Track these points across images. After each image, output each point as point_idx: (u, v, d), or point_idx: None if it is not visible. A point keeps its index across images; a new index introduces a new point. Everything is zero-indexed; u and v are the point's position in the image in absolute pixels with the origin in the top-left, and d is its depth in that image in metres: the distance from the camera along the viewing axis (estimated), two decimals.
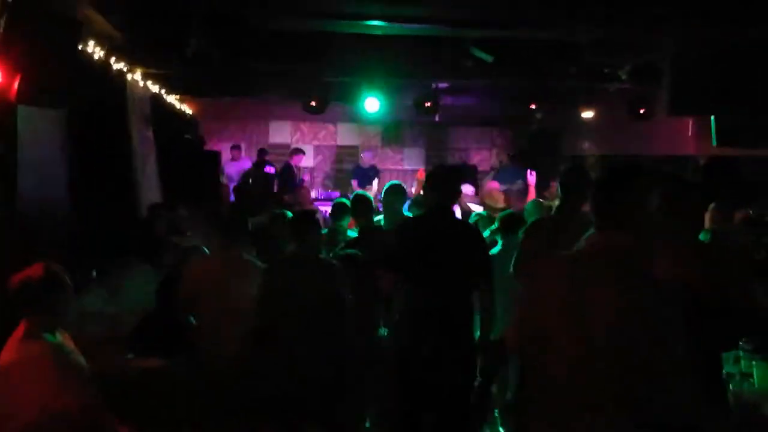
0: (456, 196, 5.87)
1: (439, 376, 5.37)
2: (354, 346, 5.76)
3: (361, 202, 7.33)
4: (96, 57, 7.67)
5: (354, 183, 14.81)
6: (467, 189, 11.50)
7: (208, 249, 7.11)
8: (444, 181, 5.72)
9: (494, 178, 14.62)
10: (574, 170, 6.01)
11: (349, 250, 6.41)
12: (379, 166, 15.81)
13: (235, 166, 15.50)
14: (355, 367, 5.76)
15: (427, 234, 5.56)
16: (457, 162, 15.58)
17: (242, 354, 5.68)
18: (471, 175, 14.59)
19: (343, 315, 5.69)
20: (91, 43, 7.45)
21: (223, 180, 14.52)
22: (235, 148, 15.89)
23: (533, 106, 11.96)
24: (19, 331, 4.22)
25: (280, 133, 17.53)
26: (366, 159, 15.54)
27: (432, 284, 5.45)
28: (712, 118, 6.94)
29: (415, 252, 5.52)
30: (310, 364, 5.49)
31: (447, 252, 5.47)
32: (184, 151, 12.71)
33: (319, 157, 17.42)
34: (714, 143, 7.15)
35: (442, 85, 11.94)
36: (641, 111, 11.41)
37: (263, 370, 5.51)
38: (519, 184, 12.49)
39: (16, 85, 5.34)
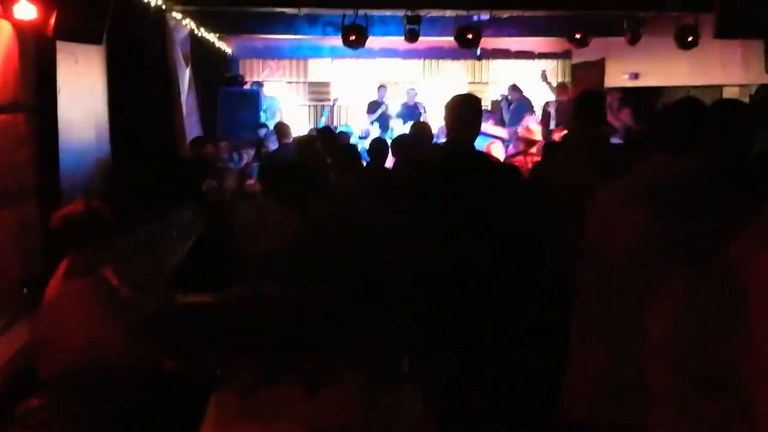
0: (476, 129, 4.79)
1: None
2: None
3: (402, 140, 7.20)
4: None
5: (399, 123, 14.60)
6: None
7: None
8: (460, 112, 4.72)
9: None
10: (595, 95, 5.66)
11: None
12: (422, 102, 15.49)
13: None
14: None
15: (443, 183, 4.58)
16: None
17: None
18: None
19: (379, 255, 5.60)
20: None
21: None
22: None
23: (578, 36, 11.69)
24: (63, 267, 4.25)
25: (320, 70, 17.38)
26: (411, 96, 15.27)
27: (452, 248, 4.43)
28: (764, 42, 6.71)
29: (428, 203, 4.56)
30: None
31: (469, 205, 4.42)
32: (224, 90, 12.70)
33: (360, 94, 17.24)
34: (765, 70, 6.92)
35: (484, 17, 11.74)
36: (689, 38, 11.10)
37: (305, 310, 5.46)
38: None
39: (53, 20, 5.33)
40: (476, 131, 4.76)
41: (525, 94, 14.73)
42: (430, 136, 6.84)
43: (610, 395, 3.13)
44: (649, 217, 2.96)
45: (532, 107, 14.30)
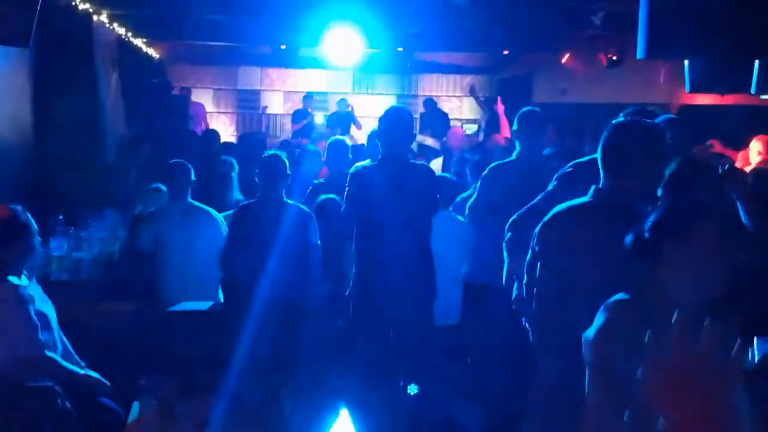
0: (409, 140, 5.58)
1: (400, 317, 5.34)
2: (320, 291, 5.70)
3: (336, 147, 7.26)
4: None
5: (328, 132, 14.54)
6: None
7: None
8: (397, 125, 5.35)
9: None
10: (533, 114, 5.93)
11: (324, 196, 6.30)
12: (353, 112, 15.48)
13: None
14: (317, 315, 5.69)
15: (382, 183, 5.27)
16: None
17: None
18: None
19: (310, 262, 5.63)
20: None
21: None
22: None
23: (506, 53, 11.86)
24: None
25: (249, 79, 17.29)
26: (342, 106, 15.26)
27: (387, 231, 5.22)
28: (686, 62, 6.86)
29: (371, 200, 5.29)
30: (273, 313, 5.41)
31: (402, 198, 5.23)
32: (152, 96, 12.53)
33: (289, 104, 17.17)
34: (687, 89, 7.06)
35: (414, 30, 11.82)
36: (614, 58, 11.37)
37: (226, 322, 5.44)
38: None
39: None
40: (411, 140, 5.58)
41: (448, 108, 15.16)
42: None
43: None
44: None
45: (446, 120, 14.56)
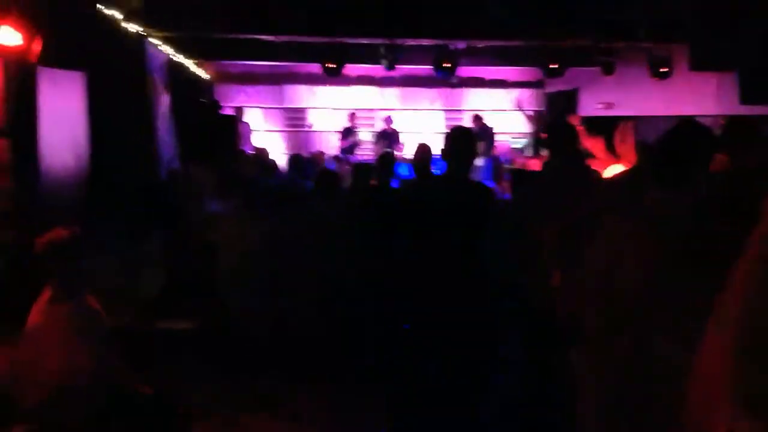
0: (472, 159, 5.44)
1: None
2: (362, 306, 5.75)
3: (385, 161, 7.31)
4: (114, 20, 7.64)
5: (376, 148, 14.71)
6: None
7: (225, 211, 7.07)
8: (463, 145, 5.30)
9: None
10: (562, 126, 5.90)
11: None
12: (398, 129, 15.63)
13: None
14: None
15: (441, 199, 5.24)
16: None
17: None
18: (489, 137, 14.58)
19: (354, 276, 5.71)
20: (110, 5, 7.44)
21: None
22: None
23: (554, 66, 11.82)
24: (46, 294, 4.25)
25: (296, 96, 17.41)
26: (388, 123, 15.41)
27: (443, 248, 5.15)
28: (738, 74, 6.81)
29: (423, 215, 5.23)
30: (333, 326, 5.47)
31: (455, 216, 5.16)
32: (201, 116, 12.68)
33: (335, 121, 17.20)
34: (740, 101, 7.01)
35: (460, 46, 11.85)
36: (662, 70, 11.28)
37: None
38: None
39: (36, 45, 5.34)
40: (473, 159, 5.40)
41: (494, 122, 15.41)
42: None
43: None
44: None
45: (491, 136, 14.58)
